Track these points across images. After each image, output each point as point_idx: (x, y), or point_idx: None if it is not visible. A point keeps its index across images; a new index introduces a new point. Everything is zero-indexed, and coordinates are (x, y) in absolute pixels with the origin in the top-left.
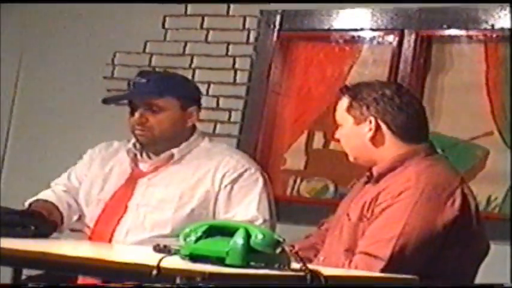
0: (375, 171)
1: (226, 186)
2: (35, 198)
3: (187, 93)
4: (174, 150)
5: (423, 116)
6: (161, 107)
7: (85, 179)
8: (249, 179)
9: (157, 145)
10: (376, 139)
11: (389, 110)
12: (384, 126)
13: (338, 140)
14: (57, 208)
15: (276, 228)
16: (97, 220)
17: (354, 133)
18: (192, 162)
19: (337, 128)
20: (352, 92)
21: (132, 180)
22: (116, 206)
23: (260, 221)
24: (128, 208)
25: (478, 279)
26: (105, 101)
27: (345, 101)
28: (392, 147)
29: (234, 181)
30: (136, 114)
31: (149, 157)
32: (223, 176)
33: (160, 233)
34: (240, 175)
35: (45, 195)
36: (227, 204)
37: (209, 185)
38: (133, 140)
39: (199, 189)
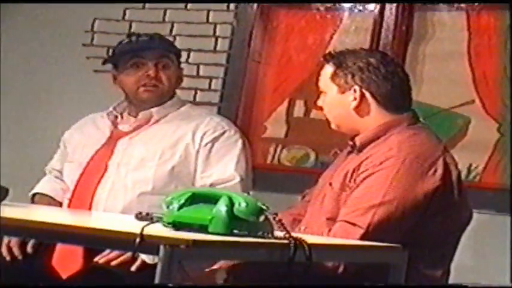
0: (358, 140)
1: (206, 145)
2: (34, 191)
3: (179, 53)
4: (153, 110)
5: (407, 85)
6: (170, 63)
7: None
8: (229, 139)
9: (157, 102)
10: (360, 108)
11: (374, 79)
12: (368, 96)
13: (321, 108)
14: (53, 199)
15: (256, 196)
16: (77, 181)
17: (338, 101)
18: (173, 122)
19: (320, 95)
20: (337, 60)
21: (112, 141)
22: (96, 166)
23: (237, 179)
24: (108, 167)
25: (461, 247)
26: (114, 55)
27: (329, 69)
28: (376, 116)
29: (214, 140)
30: (152, 68)
31: (133, 116)
32: (204, 134)
33: (142, 191)
34: (220, 135)
35: (42, 188)
36: (205, 163)
37: (189, 143)
38: (114, 104)
39: (179, 147)
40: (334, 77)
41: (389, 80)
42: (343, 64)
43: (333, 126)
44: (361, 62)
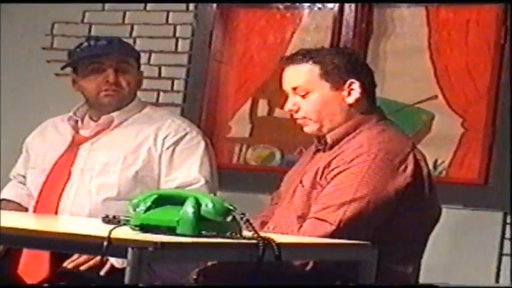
0: (329, 138)
1: (168, 148)
2: (1, 197)
3: (139, 56)
4: (114, 114)
5: (374, 82)
6: (129, 68)
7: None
8: (191, 142)
9: (118, 106)
10: (358, 103)
11: (364, 75)
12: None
13: (297, 110)
14: (20, 205)
15: (223, 196)
16: (41, 188)
17: (332, 98)
18: (134, 126)
19: (287, 99)
20: (318, 59)
21: (73, 146)
22: (60, 173)
23: (202, 182)
24: (72, 173)
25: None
26: (72, 60)
27: (311, 68)
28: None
29: (176, 143)
30: (111, 74)
31: (94, 120)
32: (165, 138)
33: (107, 196)
34: (182, 138)
35: (8, 194)
36: (169, 167)
37: (151, 147)
38: (74, 108)
39: (142, 151)
40: (324, 75)
41: (369, 76)
42: (328, 62)
43: (312, 127)
44: (346, 58)
